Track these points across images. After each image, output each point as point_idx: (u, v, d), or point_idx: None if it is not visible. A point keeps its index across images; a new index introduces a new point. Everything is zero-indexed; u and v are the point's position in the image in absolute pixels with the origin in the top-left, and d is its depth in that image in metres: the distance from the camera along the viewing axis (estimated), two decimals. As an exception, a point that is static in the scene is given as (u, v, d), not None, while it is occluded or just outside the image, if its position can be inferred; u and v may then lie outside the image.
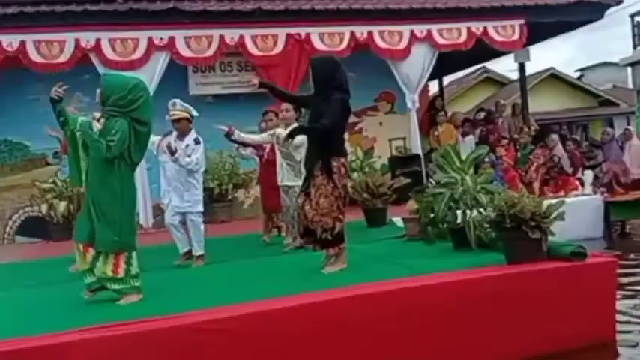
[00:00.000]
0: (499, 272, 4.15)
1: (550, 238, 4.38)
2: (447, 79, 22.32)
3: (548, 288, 4.07)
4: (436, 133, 11.18)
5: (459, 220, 5.30)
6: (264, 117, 7.01)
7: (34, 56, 8.95)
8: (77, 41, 9.13)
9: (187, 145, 5.94)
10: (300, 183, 5.57)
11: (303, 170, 5.16)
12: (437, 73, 13.58)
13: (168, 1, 9.81)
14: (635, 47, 16.06)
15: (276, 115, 6.48)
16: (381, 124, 11.70)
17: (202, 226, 6.08)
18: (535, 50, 12.66)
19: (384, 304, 3.88)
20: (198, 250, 6.01)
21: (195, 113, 6.10)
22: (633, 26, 16.04)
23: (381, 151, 11.32)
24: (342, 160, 4.83)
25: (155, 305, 4.01)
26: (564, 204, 4.48)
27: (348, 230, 7.46)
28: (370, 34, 10.05)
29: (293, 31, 9.94)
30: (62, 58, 9.08)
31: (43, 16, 9.05)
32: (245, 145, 6.92)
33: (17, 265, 7.14)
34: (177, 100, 6.16)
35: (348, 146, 10.80)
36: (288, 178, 6.23)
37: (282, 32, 9.92)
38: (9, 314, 4.28)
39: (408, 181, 7.97)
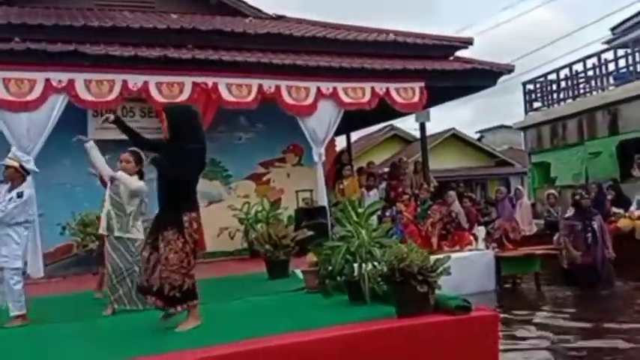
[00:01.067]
0: (385, 326, 4.18)
1: (438, 291, 4.48)
2: (355, 135, 23.05)
3: (434, 341, 4.13)
4: (341, 186, 11.38)
5: (355, 273, 5.33)
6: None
7: None
8: (-32, 79, 8.64)
9: (10, 198, 5.61)
10: (135, 235, 5.48)
11: (133, 222, 5.07)
12: (344, 129, 13.96)
13: (70, 43, 9.55)
14: (526, 112, 17.25)
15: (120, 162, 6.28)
16: (288, 175, 11.78)
17: (19, 285, 5.54)
18: (439, 111, 13.42)
19: None
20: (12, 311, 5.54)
21: (29, 166, 5.87)
22: (525, 93, 17.28)
23: (288, 202, 11.34)
24: (194, 214, 4.75)
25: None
26: (451, 259, 4.61)
27: (248, 282, 7.46)
28: (278, 87, 10.18)
29: (200, 80, 9.89)
30: None
31: None
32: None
33: None
34: (14, 149, 6.14)
35: (254, 196, 11.06)
36: (120, 228, 5.79)
37: (188, 80, 9.83)
38: None
39: (311, 233, 7.98)
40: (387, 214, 10.23)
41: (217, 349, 3.85)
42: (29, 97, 9.02)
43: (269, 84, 10.15)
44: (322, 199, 10.73)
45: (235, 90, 9.98)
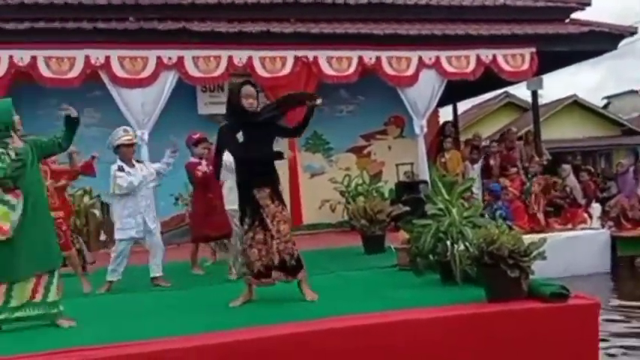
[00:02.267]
0: (475, 311, 4.01)
1: (532, 276, 4.24)
2: (468, 103, 22.31)
3: (526, 328, 3.92)
4: (443, 159, 11.03)
5: (448, 253, 5.18)
6: (202, 144, 6.88)
7: (44, 71, 9.08)
8: (87, 58, 9.25)
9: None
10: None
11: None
12: (450, 98, 13.49)
13: (178, 21, 9.93)
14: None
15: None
16: (389, 148, 11.63)
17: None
18: (558, 76, 12.56)
19: (354, 338, 3.78)
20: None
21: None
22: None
23: (388, 175, 11.23)
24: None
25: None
26: (561, 237, 4.36)
27: (344, 256, 7.51)
28: (378, 59, 10.02)
29: (301, 53, 9.95)
30: (71, 74, 9.20)
31: (55, 32, 9.21)
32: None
33: None
34: (129, 128, 6.39)
35: (355, 169, 11.07)
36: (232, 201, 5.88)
37: (290, 54, 9.94)
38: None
39: (407, 208, 7.84)
40: (492, 189, 9.77)
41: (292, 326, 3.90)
42: (142, 75, 9.53)
43: (370, 55, 10.02)
44: (424, 173, 10.51)
45: (335, 63, 9.96)
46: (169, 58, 9.61)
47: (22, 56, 8.97)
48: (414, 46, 10.13)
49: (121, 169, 5.93)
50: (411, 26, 10.47)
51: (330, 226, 10.67)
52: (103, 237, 9.94)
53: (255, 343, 3.64)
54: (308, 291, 4.77)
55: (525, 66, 10.47)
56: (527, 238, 4.37)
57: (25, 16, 9.31)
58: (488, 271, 4.20)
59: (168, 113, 9.53)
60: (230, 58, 9.78)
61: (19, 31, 9.01)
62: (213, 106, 10.79)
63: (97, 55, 9.30)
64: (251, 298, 4.79)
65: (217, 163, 5.12)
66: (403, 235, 6.09)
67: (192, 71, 9.71)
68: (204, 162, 6.73)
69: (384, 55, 10.02)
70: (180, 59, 9.63)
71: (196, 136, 6.88)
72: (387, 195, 10.81)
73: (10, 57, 8.88)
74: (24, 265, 4.27)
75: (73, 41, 9.23)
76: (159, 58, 9.56)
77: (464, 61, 10.25)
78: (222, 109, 10.40)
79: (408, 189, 10.35)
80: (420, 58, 10.13)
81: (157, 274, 6.07)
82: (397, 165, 11.44)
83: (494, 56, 10.35)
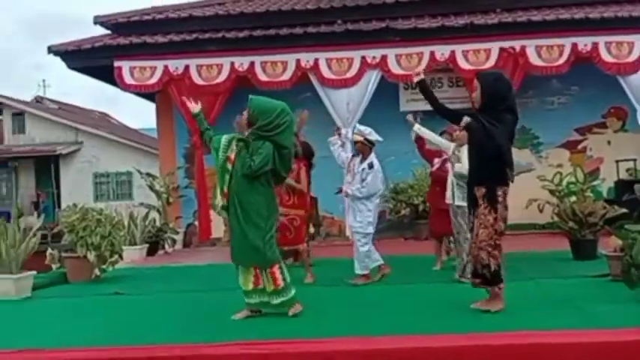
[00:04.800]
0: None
1: None
2: None
3: None
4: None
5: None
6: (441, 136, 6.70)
7: (261, 75, 9.95)
8: (298, 61, 9.93)
9: (363, 169, 6.03)
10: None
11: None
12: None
13: (383, 20, 10.13)
14: None
15: (451, 135, 6.25)
16: (609, 142, 10.52)
17: (366, 247, 6.03)
18: None
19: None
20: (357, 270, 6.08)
21: (372, 138, 6.13)
22: None
23: (606, 173, 10.17)
24: (506, 188, 4.46)
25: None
26: None
27: (551, 261, 6.98)
28: (595, 45, 9.12)
29: (506, 44, 9.51)
30: (284, 77, 9.94)
31: (270, 38, 10.03)
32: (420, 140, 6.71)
33: (229, 267, 7.90)
34: (357, 125, 6.40)
35: (567, 166, 10.21)
36: (459, 197, 5.77)
37: (494, 46, 9.57)
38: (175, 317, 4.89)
39: (624, 210, 7.02)
40: None
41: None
42: (348, 75, 9.95)
43: (584, 42, 9.17)
44: (650, 170, 9.31)
45: (545, 53, 9.32)
46: (373, 57, 9.88)
47: (242, 62, 9.94)
48: (634, 29, 9.01)
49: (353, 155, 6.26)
50: (633, 7, 9.31)
51: (536, 228, 9.98)
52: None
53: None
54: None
55: None
56: None
57: (244, 25, 10.29)
58: None
59: (371, 111, 9.78)
60: (432, 53, 9.73)
61: (239, 39, 10.00)
62: (414, 102, 10.77)
63: (307, 58, 9.93)
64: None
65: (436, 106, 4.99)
66: (615, 240, 5.50)
67: (395, 69, 9.86)
68: (436, 159, 6.78)
69: (601, 40, 9.10)
70: (384, 57, 9.84)
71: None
72: (605, 194, 9.80)
73: (232, 63, 9.90)
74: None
75: (285, 46, 9.97)
76: (363, 57, 9.88)
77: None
78: (422, 106, 10.56)
79: (629, 188, 9.26)
80: (644, 41, 8.98)
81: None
82: (617, 161, 10.27)
83: None
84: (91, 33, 11.25)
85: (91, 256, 6.85)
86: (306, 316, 4.60)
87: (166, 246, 10.24)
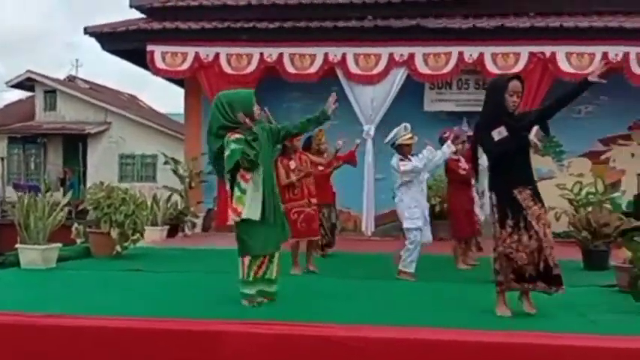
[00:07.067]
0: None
1: None
2: None
3: None
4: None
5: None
6: (457, 141, 6.64)
7: (289, 67, 10.08)
8: (326, 55, 10.04)
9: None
10: None
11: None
12: None
13: (414, 18, 10.16)
14: None
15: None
16: (632, 155, 10.44)
17: (406, 242, 6.03)
18: None
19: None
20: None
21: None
22: None
23: (627, 185, 10.11)
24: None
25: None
26: None
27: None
28: (626, 55, 9.08)
29: (536, 49, 9.50)
30: (311, 70, 10.06)
31: (300, 31, 10.15)
32: None
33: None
34: (408, 125, 6.16)
35: (588, 176, 10.17)
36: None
37: (524, 50, 9.59)
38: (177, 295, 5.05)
39: (638, 223, 7.01)
40: None
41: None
42: (374, 71, 10.02)
43: (616, 50, 9.13)
44: (672, 185, 9.25)
45: (575, 60, 9.30)
46: (401, 55, 9.93)
47: (271, 53, 10.07)
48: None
49: (401, 159, 6.04)
50: (668, 17, 9.25)
51: (553, 236, 9.94)
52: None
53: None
54: (530, 302, 4.52)
55: None
56: None
57: (275, 16, 10.42)
58: None
59: (395, 109, 9.82)
60: (460, 54, 9.77)
61: (270, 30, 10.14)
62: (439, 103, 10.84)
63: (335, 53, 10.04)
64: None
65: (474, 160, 5.10)
66: (625, 252, 5.52)
67: (422, 68, 9.91)
68: (462, 159, 6.74)
69: (633, 50, 9.04)
70: (411, 56, 9.89)
71: (445, 135, 6.71)
72: (624, 207, 9.74)
73: (261, 54, 10.06)
74: (273, 240, 4.62)
75: (315, 39, 10.08)
76: (391, 55, 9.95)
77: None
78: (446, 107, 10.64)
79: (649, 202, 9.22)
80: (678, 55, 8.89)
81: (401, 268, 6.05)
82: (639, 175, 10.21)
83: None
84: (126, 16, 11.51)
85: (114, 232, 7.10)
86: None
87: (186, 229, 10.46)
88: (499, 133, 4.35)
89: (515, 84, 4.36)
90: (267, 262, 4.62)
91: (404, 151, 6.02)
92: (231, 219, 4.55)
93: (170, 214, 10.01)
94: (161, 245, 8.81)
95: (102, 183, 7.85)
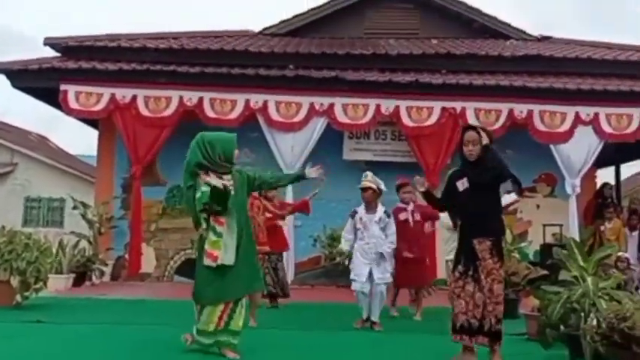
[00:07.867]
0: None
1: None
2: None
3: None
4: (602, 228, 10.06)
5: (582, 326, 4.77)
6: (402, 189, 6.85)
7: (209, 111, 9.98)
8: (247, 101, 10.04)
9: (380, 219, 6.07)
10: None
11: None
12: (613, 159, 12.51)
13: (333, 70, 10.42)
14: None
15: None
16: (538, 206, 11.01)
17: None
18: None
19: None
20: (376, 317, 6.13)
21: (383, 188, 6.19)
22: None
23: (534, 235, 10.60)
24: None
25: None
26: None
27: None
28: (530, 112, 9.67)
29: (448, 104, 9.93)
30: (232, 115, 10.00)
31: (221, 76, 10.12)
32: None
33: (156, 303, 7.65)
34: (369, 173, 6.28)
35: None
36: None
37: (437, 105, 9.97)
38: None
39: (545, 272, 7.33)
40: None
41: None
42: (295, 119, 10.10)
43: (520, 108, 9.71)
44: (574, 236, 9.76)
45: (483, 116, 9.78)
46: (321, 105, 10.10)
47: (191, 97, 9.97)
48: (570, 100, 9.66)
49: (352, 215, 6.19)
50: (569, 80, 9.99)
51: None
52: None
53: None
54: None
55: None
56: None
57: (196, 61, 10.36)
58: (618, 353, 3.82)
59: (315, 156, 9.80)
60: (377, 106, 10.04)
61: (190, 74, 10.05)
62: (357, 152, 11.02)
63: (257, 99, 10.05)
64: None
65: (439, 207, 5.19)
66: (534, 300, 5.72)
67: (341, 117, 10.10)
68: (410, 208, 6.78)
69: (536, 108, 9.68)
70: (331, 106, 10.08)
71: (398, 182, 6.87)
72: (531, 257, 10.19)
73: (180, 97, 9.92)
74: (238, 287, 4.46)
75: (236, 85, 10.07)
76: (311, 104, 10.10)
77: (625, 121, 9.51)
78: (365, 156, 10.85)
79: (552, 252, 9.66)
80: (577, 114, 9.61)
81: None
82: (545, 225, 10.76)
83: (663, 117, 9.47)
84: (38, 53, 11.07)
85: (15, 281, 6.62)
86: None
87: (93, 277, 9.91)
88: (462, 184, 4.54)
89: (469, 134, 4.56)
90: (229, 312, 4.44)
91: (363, 195, 6.15)
92: (207, 263, 4.40)
93: (77, 261, 9.46)
94: (65, 295, 8.27)
95: (3, 227, 7.33)
